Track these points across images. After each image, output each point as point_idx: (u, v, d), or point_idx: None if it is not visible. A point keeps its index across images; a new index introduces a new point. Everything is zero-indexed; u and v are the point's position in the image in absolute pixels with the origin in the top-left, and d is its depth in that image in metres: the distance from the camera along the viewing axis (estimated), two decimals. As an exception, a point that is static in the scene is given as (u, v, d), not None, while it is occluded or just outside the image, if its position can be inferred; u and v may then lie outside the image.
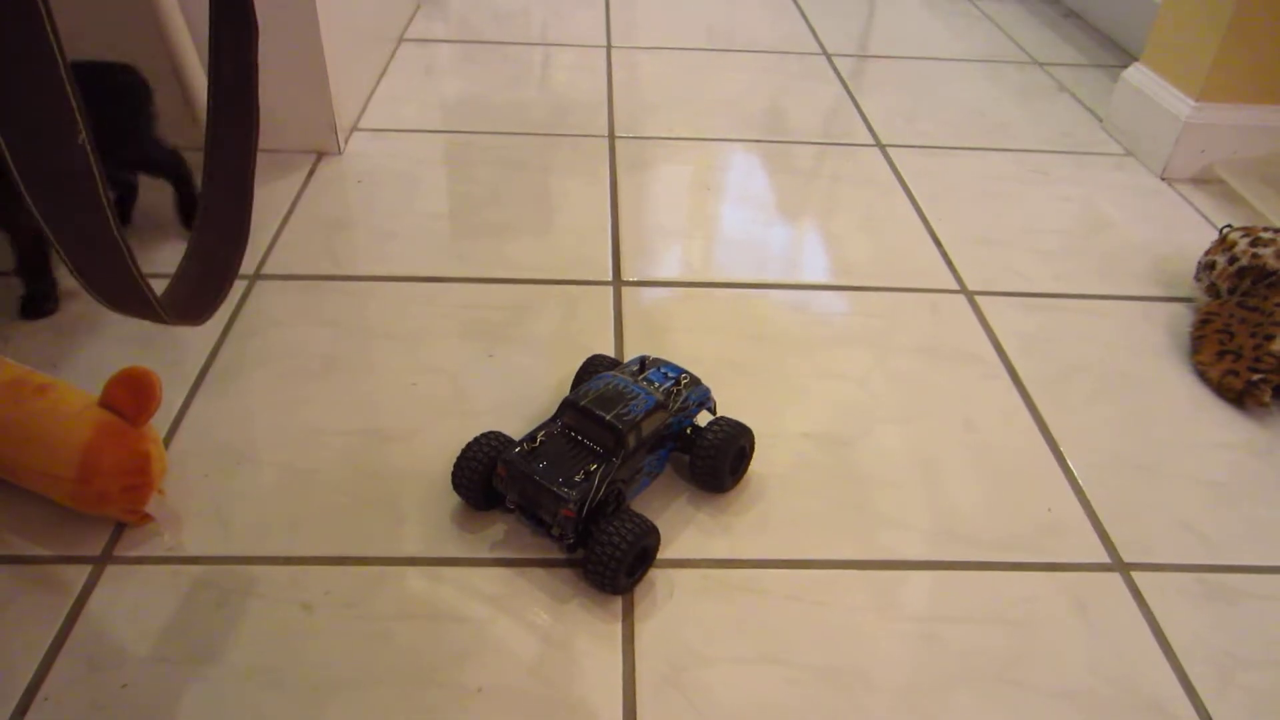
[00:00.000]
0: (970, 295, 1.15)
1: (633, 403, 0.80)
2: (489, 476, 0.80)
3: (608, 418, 0.78)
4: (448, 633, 0.72)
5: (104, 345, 0.98)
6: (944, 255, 1.23)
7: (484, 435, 0.82)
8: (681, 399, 0.85)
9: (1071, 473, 0.90)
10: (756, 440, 0.88)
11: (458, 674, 0.69)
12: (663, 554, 0.79)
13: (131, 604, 0.72)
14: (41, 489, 0.77)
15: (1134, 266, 1.23)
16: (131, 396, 0.76)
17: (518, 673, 0.69)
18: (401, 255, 1.15)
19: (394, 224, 1.21)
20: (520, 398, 0.93)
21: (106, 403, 0.76)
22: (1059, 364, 1.05)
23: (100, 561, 0.76)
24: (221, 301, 0.67)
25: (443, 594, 0.75)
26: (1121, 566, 0.81)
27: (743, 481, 0.87)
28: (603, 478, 0.76)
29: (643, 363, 0.88)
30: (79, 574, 0.75)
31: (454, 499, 0.83)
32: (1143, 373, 1.04)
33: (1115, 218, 1.35)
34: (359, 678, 0.68)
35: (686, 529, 0.82)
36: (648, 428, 0.80)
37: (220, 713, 0.65)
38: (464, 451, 0.81)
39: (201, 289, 0.65)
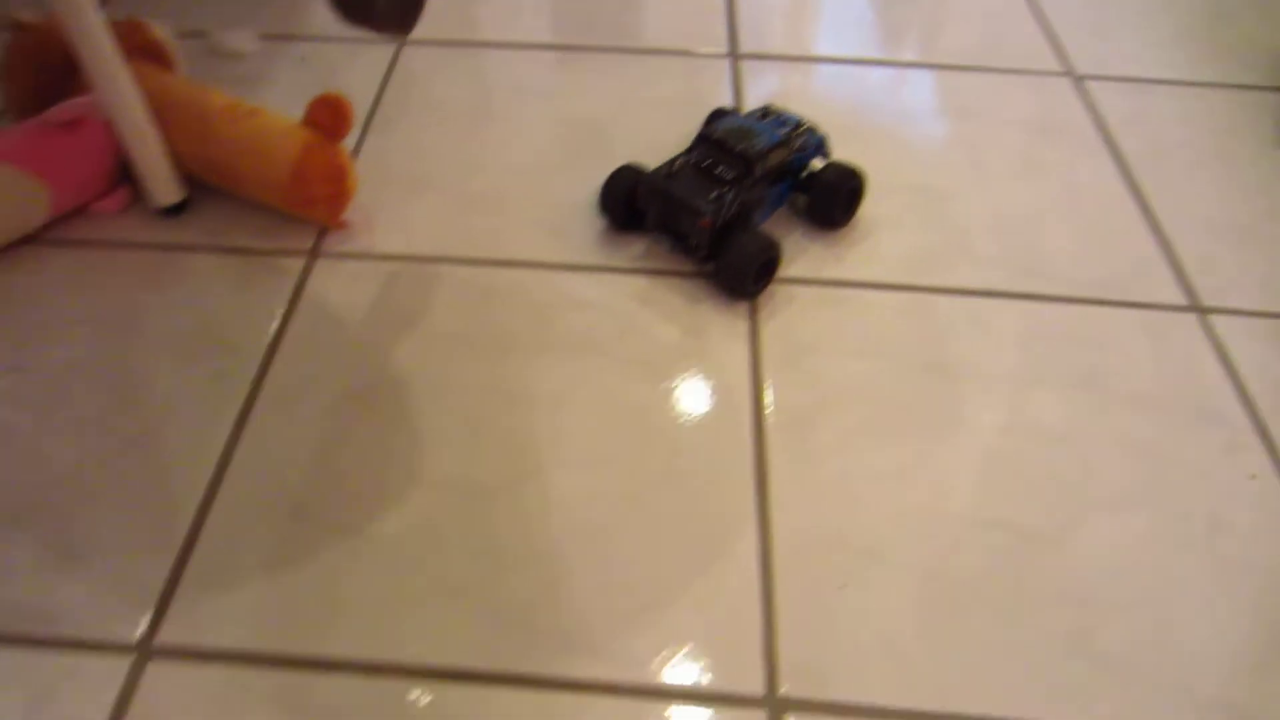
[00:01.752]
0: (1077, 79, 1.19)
1: (759, 138, 0.90)
2: (631, 198, 0.91)
3: (738, 148, 0.88)
4: (603, 317, 0.85)
5: (278, 100, 1.10)
6: None
7: (625, 165, 0.93)
8: (800, 140, 0.94)
9: (1160, 227, 0.98)
10: (868, 187, 0.97)
11: (611, 347, 0.83)
12: (781, 274, 0.90)
13: (341, 287, 0.87)
14: (259, 195, 0.92)
15: None
16: (331, 115, 0.89)
17: (663, 350, 0.83)
18: (532, 25, 1.24)
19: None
20: (654, 143, 1.03)
21: (309, 122, 0.89)
22: (1157, 137, 1.10)
23: (311, 255, 0.91)
24: (420, 14, 0.78)
25: (596, 292, 0.88)
26: (1199, 308, 0.90)
27: (854, 221, 0.97)
28: (734, 197, 0.87)
29: (765, 110, 0.97)
30: (296, 264, 0.90)
31: (600, 221, 0.94)
32: None
33: None
34: (533, 344, 0.83)
35: (802, 257, 0.92)
36: (771, 159, 0.90)
37: (419, 366, 0.81)
38: (609, 178, 0.92)
39: (406, 4, 0.76)
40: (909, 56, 1.21)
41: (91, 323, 0.84)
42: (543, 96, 1.11)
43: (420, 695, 0.60)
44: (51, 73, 0.94)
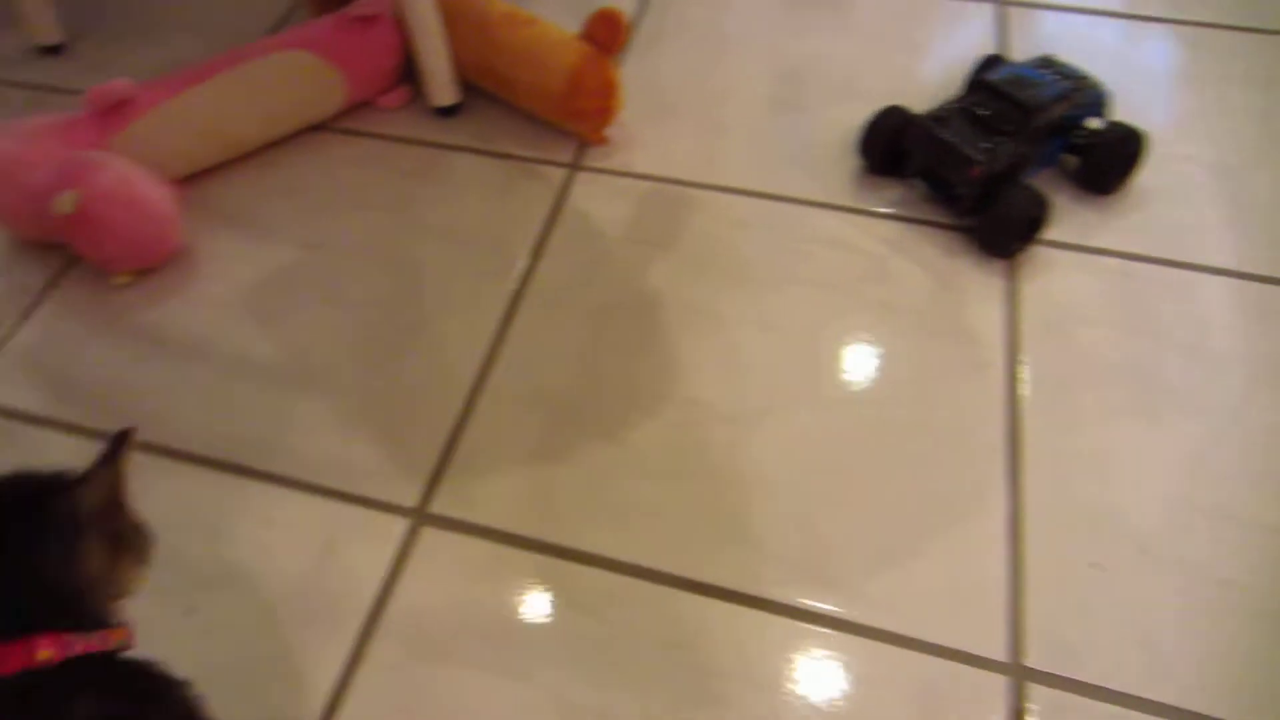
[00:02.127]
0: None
1: (1041, 88, 0.85)
2: (892, 142, 0.89)
3: (1019, 96, 0.84)
4: (853, 259, 0.84)
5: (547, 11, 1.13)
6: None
7: (891, 107, 0.90)
8: (1082, 95, 0.88)
9: None
10: (1147, 152, 0.91)
11: (862, 288, 0.82)
12: (1042, 236, 0.86)
13: (600, 200, 0.90)
14: (530, 102, 0.95)
15: None
16: (608, 30, 0.90)
17: (914, 298, 0.81)
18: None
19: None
20: (909, 87, 1.00)
21: (586, 35, 0.91)
22: None
23: (572, 167, 0.93)
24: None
25: (848, 232, 0.87)
26: None
27: (1125, 188, 0.91)
28: (1011, 149, 0.83)
29: (1046, 60, 0.92)
30: (557, 174, 0.93)
31: (856, 163, 0.93)
32: None
33: None
34: (775, 279, 0.83)
35: (1068, 220, 0.88)
36: (1054, 112, 0.85)
37: (674, 285, 0.82)
38: (874, 118, 0.90)
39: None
40: (1203, 16, 1.11)
41: (373, 209, 0.90)
42: (796, 32, 1.09)
43: (662, 598, 0.63)
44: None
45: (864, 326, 0.79)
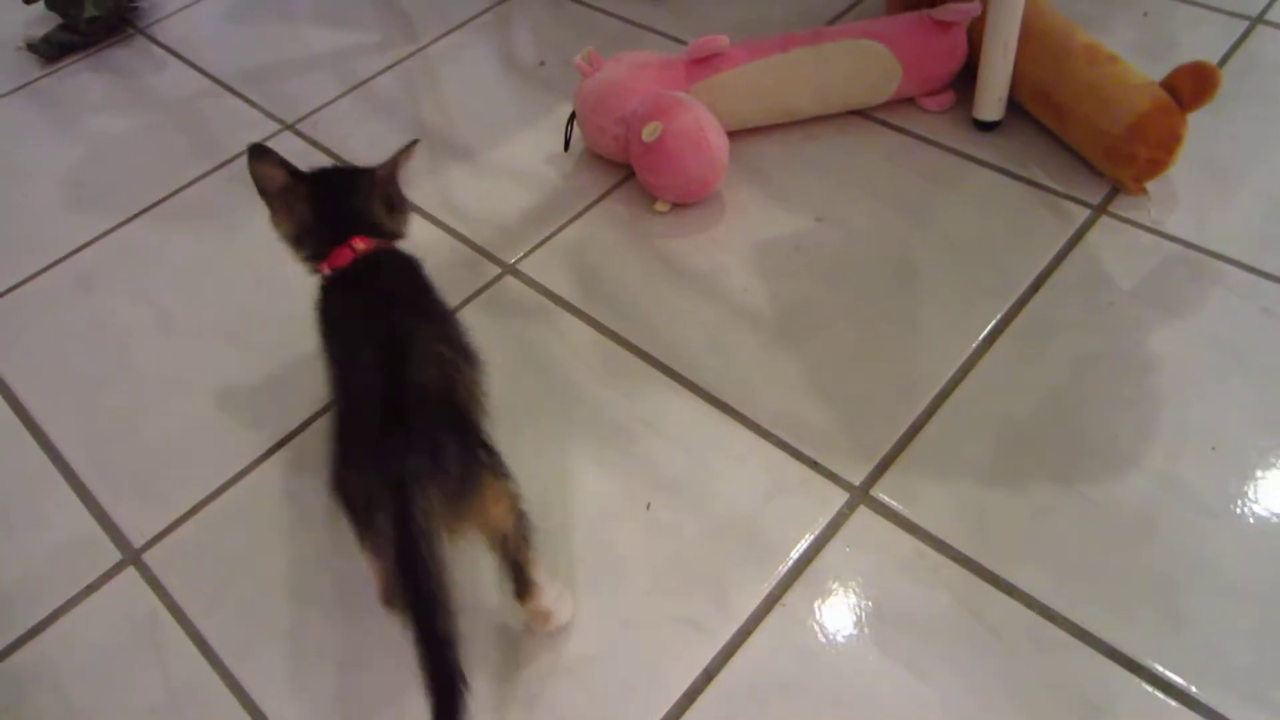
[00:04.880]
0: None
1: None
2: None
3: None
4: None
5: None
6: None
7: None
8: None
9: None
10: None
11: None
12: None
13: (1118, 250, 0.86)
14: (1079, 137, 0.93)
15: None
16: (1196, 84, 0.85)
17: None
18: None
19: None
20: None
21: (1168, 84, 0.86)
22: None
23: (1098, 210, 0.90)
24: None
25: None
26: None
27: None
28: None
29: None
30: (1080, 213, 0.90)
31: None
32: None
33: None
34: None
35: None
36: None
37: (1176, 355, 0.77)
38: None
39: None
40: None
41: (889, 201, 0.94)
42: None
43: (1081, 656, 0.62)
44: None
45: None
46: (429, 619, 0.53)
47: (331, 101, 1.17)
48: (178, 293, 0.96)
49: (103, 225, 1.05)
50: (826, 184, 0.97)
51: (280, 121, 1.15)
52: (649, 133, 0.90)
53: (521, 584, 0.63)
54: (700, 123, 0.91)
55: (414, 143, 0.74)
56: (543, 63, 1.18)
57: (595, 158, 1.03)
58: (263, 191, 0.72)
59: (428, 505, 0.55)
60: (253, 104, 1.18)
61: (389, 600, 0.67)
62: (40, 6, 1.32)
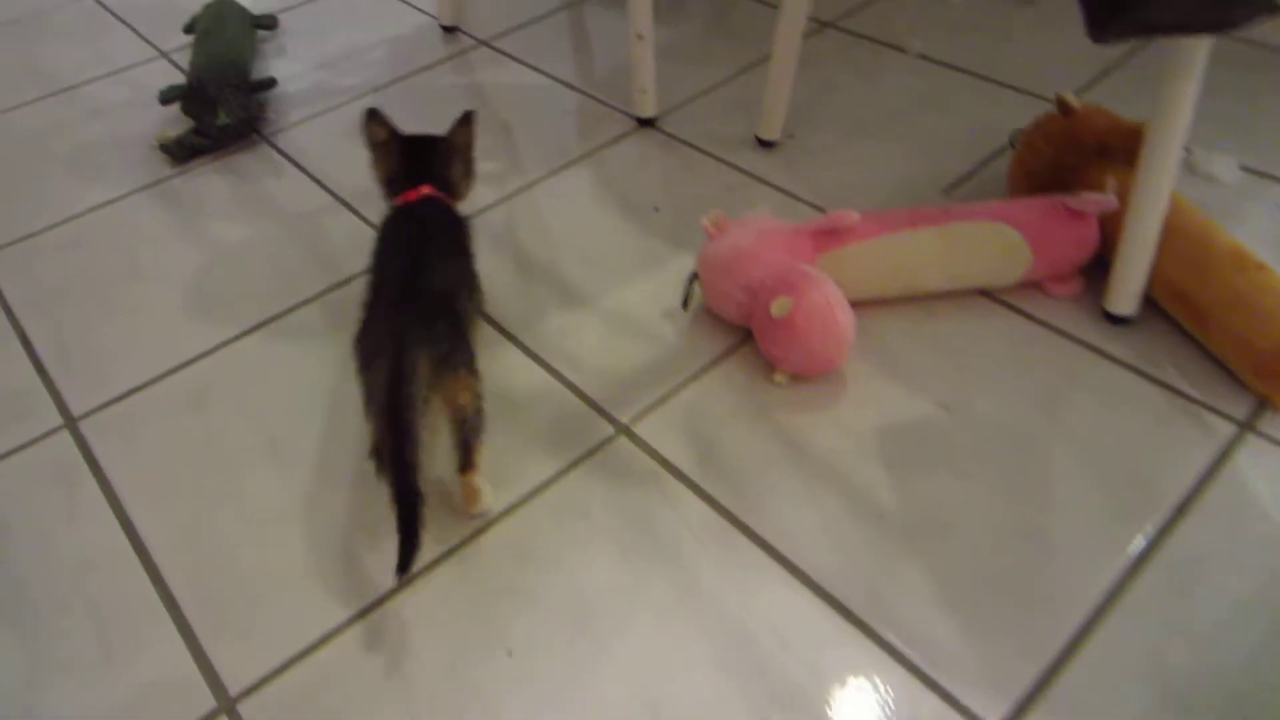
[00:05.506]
0: None
1: None
2: None
3: None
4: None
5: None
6: None
7: None
8: None
9: None
10: None
11: None
12: None
13: (1272, 476, 0.82)
14: (1222, 345, 0.89)
15: None
16: (1358, 308, 0.81)
17: None
18: None
19: None
20: None
21: (1328, 301, 0.83)
22: None
23: (1244, 427, 0.86)
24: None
25: None
26: None
27: None
28: None
29: None
30: (1224, 428, 0.86)
31: None
32: None
33: None
34: None
35: None
36: None
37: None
38: None
39: None
40: None
41: (1015, 392, 0.91)
42: None
43: None
44: (1079, 153, 1.02)
45: None
46: (401, 442, 0.73)
47: (447, 229, 1.18)
48: (288, 417, 0.95)
49: (218, 336, 1.05)
50: (950, 367, 0.94)
51: (396, 245, 1.16)
52: (778, 308, 0.88)
53: (465, 460, 0.81)
54: (830, 300, 0.89)
55: (471, 113, 1.00)
56: (657, 209, 1.18)
57: (712, 317, 1.02)
58: (369, 143, 0.98)
59: (415, 363, 0.76)
60: (368, 223, 1.20)
61: (376, 453, 0.82)
62: (175, 108, 1.37)
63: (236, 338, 1.05)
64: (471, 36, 1.59)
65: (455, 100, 1.42)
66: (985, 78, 1.37)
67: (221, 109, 1.31)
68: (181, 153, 1.32)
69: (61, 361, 1.04)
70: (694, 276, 1.01)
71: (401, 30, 1.63)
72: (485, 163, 1.27)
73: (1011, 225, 0.96)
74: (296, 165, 1.32)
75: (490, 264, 1.12)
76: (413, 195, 0.94)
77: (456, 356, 0.81)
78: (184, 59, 1.58)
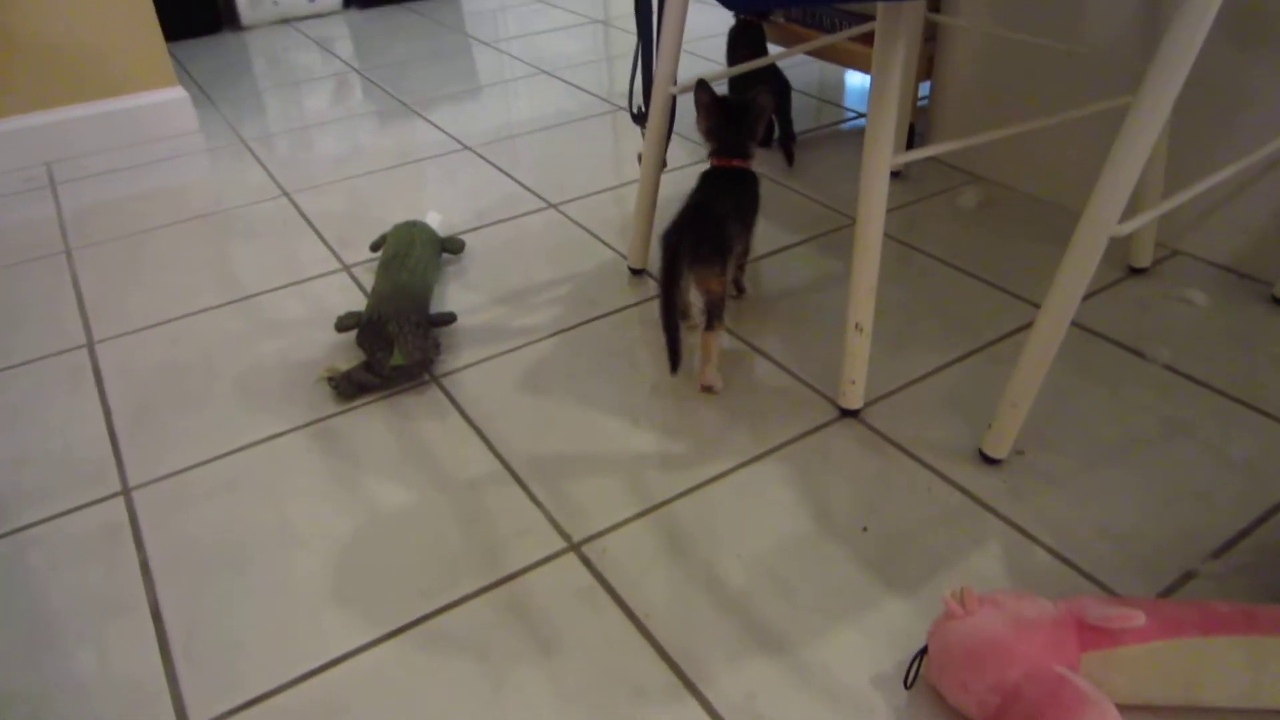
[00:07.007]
0: None
1: None
2: None
3: None
4: None
5: None
6: None
7: None
8: None
9: None
10: None
11: None
12: None
13: None
14: None
15: None
16: None
17: None
18: None
19: None
20: None
21: None
22: None
23: None
24: None
25: None
26: None
27: None
28: None
29: None
30: None
31: None
32: None
33: None
34: None
35: None
36: None
37: None
38: None
39: None
40: None
41: None
42: None
43: None
44: None
45: None
46: (670, 308, 1.16)
47: (622, 524, 1.05)
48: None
49: (358, 638, 0.93)
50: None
51: (566, 537, 1.04)
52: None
53: (709, 322, 1.19)
54: (1112, 735, 0.71)
55: (764, 93, 1.26)
56: (865, 529, 1.03)
57: (937, 699, 0.84)
58: (697, 104, 1.26)
59: (683, 263, 1.15)
60: (538, 503, 1.08)
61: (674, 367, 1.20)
62: (350, 336, 1.32)
63: (377, 642, 0.93)
64: (655, 279, 1.51)
65: (641, 355, 1.32)
66: (1245, 403, 1.19)
67: (399, 348, 1.24)
68: (349, 389, 1.26)
69: (188, 652, 0.93)
70: (922, 652, 0.84)
71: (585, 266, 1.58)
72: (672, 443, 1.16)
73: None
74: (465, 416, 1.23)
75: (673, 575, 0.98)
76: (724, 163, 1.27)
77: (713, 263, 1.15)
78: (365, 275, 1.56)
